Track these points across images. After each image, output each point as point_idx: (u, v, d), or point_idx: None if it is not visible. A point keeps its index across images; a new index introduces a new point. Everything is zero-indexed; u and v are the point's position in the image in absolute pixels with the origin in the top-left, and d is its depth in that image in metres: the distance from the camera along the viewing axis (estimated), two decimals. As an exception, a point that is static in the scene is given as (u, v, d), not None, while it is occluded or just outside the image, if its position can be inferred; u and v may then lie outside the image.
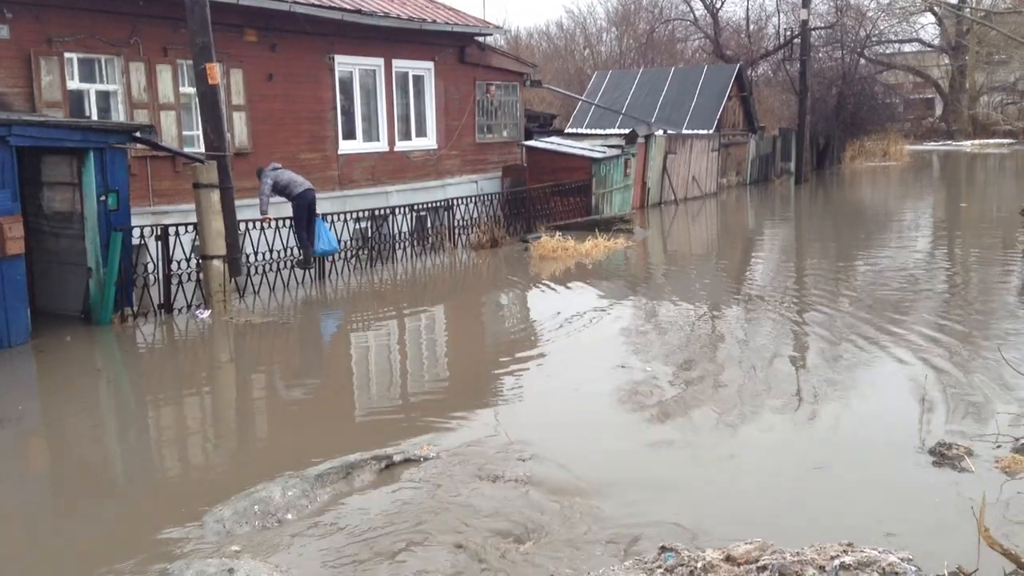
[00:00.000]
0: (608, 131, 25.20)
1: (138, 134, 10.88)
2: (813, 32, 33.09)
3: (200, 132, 12.26)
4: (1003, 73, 51.95)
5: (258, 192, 12.47)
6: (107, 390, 8.66)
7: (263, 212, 12.39)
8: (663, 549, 4.37)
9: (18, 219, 9.30)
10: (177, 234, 11.31)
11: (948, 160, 42.23)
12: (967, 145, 49.16)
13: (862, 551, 4.04)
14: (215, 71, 11.28)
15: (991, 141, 49.68)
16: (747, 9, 41.78)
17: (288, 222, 12.86)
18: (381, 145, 16.99)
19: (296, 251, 12.95)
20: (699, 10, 41.98)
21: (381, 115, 16.96)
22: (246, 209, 12.66)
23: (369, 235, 14.69)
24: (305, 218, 12.65)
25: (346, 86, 16.27)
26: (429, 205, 16.39)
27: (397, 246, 15.14)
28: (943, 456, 5.99)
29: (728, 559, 4.11)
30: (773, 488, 5.69)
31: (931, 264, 14.89)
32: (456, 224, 16.51)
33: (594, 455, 6.25)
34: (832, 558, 3.98)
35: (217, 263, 11.10)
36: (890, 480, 5.73)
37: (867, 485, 5.65)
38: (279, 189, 12.49)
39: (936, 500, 5.42)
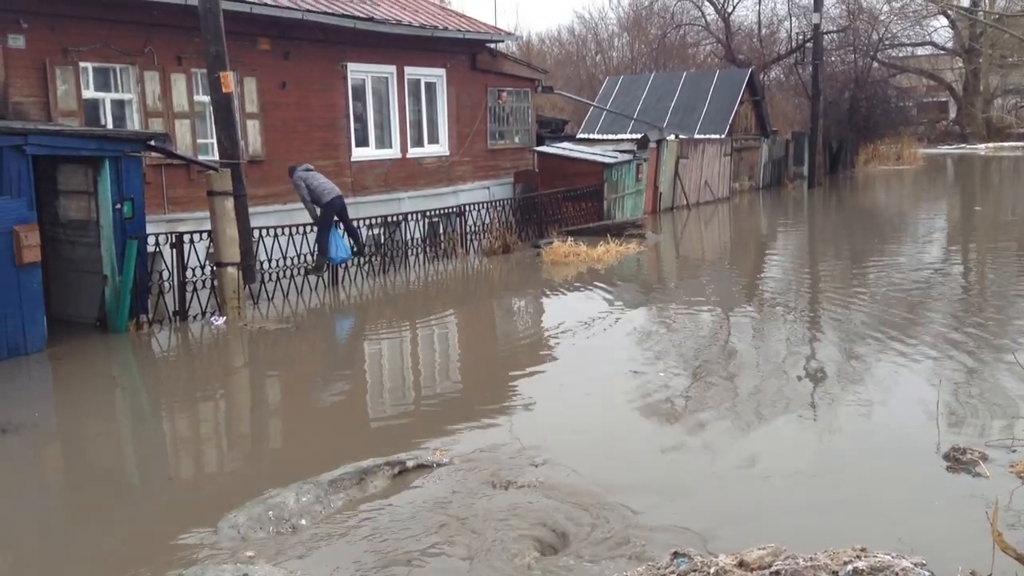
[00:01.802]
0: (620, 136, 25.18)
1: (153, 142, 10.95)
2: (825, 36, 33.01)
3: (214, 140, 12.34)
4: (1017, 76, 51.68)
5: (301, 200, 12.79)
6: (122, 397, 8.72)
7: (314, 218, 12.76)
8: (676, 554, 4.37)
9: (34, 227, 9.39)
10: (192, 241, 11.38)
11: (962, 163, 42.01)
12: (981, 148, 48.86)
13: (875, 556, 4.03)
14: (229, 79, 11.36)
15: (1006, 144, 49.38)
16: (759, 13, 41.37)
17: (302, 228, 12.93)
18: (394, 152, 17.05)
19: (309, 257, 13.02)
20: (711, 15, 41.92)
21: (393, 122, 17.03)
22: (260, 216, 12.74)
23: (382, 241, 14.74)
24: (331, 224, 12.77)
25: (359, 93, 16.34)
26: (441, 211, 16.43)
27: (409, 252, 15.17)
28: (958, 461, 5.97)
29: (741, 564, 4.11)
30: (786, 493, 5.68)
31: (946, 268, 14.83)
32: (468, 230, 16.54)
33: (607, 460, 6.25)
34: (845, 563, 3.97)
35: (231, 270, 11.16)
36: (904, 485, 5.72)
37: (881, 490, 5.64)
38: (309, 193, 12.67)
39: (950, 505, 5.40)
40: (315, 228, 12.91)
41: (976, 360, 8.65)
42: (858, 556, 4.03)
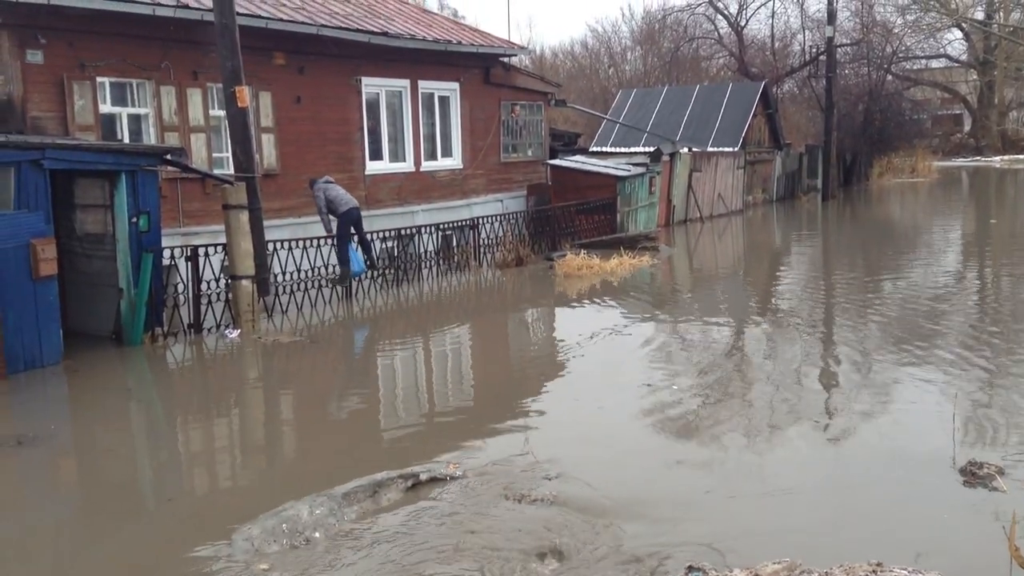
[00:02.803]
0: (633, 149, 25.20)
1: (169, 156, 11.03)
2: (839, 49, 33.00)
3: (229, 154, 12.43)
4: (1032, 88, 51.55)
5: (317, 211, 12.95)
6: (137, 409, 8.76)
7: (328, 231, 12.91)
8: (690, 569, 4.36)
9: (51, 241, 9.46)
10: (207, 255, 11.44)
11: (977, 176, 41.84)
12: (996, 161, 48.68)
13: (891, 571, 4.01)
14: (244, 94, 11.44)
15: (1021, 156, 49.18)
16: (772, 26, 41.38)
17: (315, 242, 13.01)
18: (407, 165, 17.12)
19: (330, 269, 13.09)
20: (724, 28, 42.00)
21: (407, 135, 17.10)
22: (275, 229, 12.81)
23: (395, 254, 14.79)
24: (348, 235, 12.90)
25: (373, 107, 16.42)
26: (454, 224, 16.47)
27: (423, 265, 15.21)
28: (974, 475, 5.93)
29: (756, 579, 4.09)
30: (801, 507, 5.66)
31: (961, 282, 14.75)
32: (481, 243, 16.57)
33: (621, 474, 6.24)
34: (861, 578, 3.95)
35: (246, 283, 11.22)
36: (920, 499, 5.68)
37: (897, 504, 5.60)
38: (327, 203, 12.84)
39: (967, 519, 5.36)
40: (329, 241, 13.02)
41: (992, 373, 8.59)
42: (874, 571, 4.01)
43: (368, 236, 13.50)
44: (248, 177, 11.43)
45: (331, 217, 12.94)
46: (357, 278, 13.42)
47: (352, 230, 13.07)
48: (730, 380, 8.72)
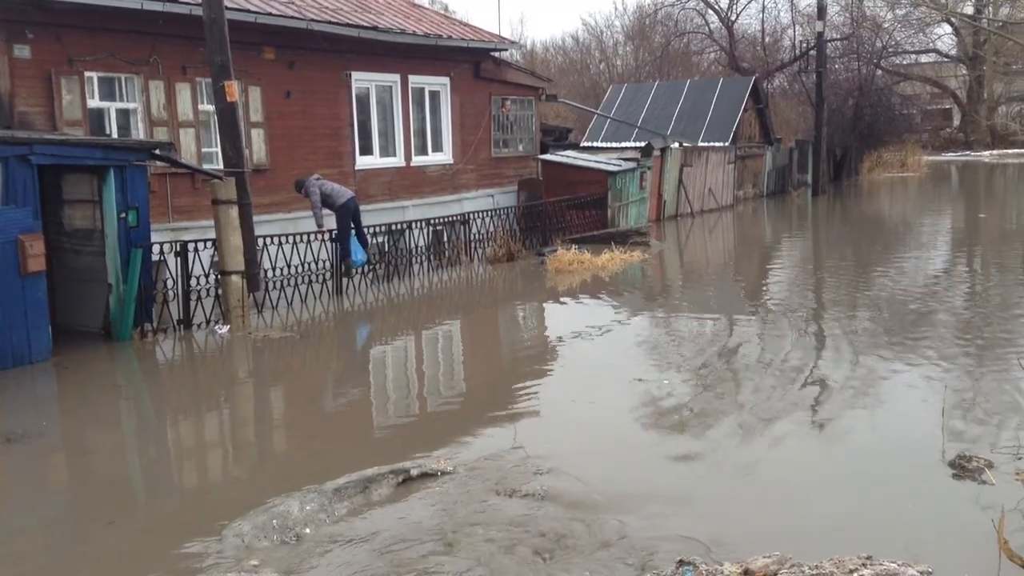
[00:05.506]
0: (624, 144, 25.20)
1: (158, 151, 10.98)
2: (829, 44, 33.07)
3: (219, 149, 12.37)
4: (1021, 83, 51.68)
5: (311, 206, 12.98)
6: (127, 406, 8.73)
7: (320, 226, 12.94)
8: (681, 563, 4.37)
9: (39, 237, 9.41)
10: (196, 250, 11.39)
11: (966, 171, 41.98)
12: (986, 155, 48.84)
13: (881, 564, 4.03)
14: (233, 89, 11.39)
15: (1010, 151, 49.36)
16: (762, 21, 41.58)
17: (305, 237, 12.98)
18: (398, 160, 17.08)
19: (321, 264, 13.07)
20: (714, 23, 42.11)
21: (398, 130, 17.06)
22: (264, 224, 12.77)
23: (386, 250, 14.76)
24: (349, 227, 12.98)
25: (363, 102, 16.37)
26: (445, 219, 16.45)
27: (414, 260, 15.19)
28: (963, 468, 5.95)
29: (746, 573, 4.10)
30: (792, 501, 5.67)
31: (950, 276, 14.81)
32: (472, 238, 16.56)
33: (611, 468, 6.24)
34: (851, 571, 3.97)
35: (236, 278, 11.18)
36: (910, 492, 5.70)
37: (886, 498, 5.62)
38: (322, 199, 12.85)
39: (956, 513, 5.38)
40: (319, 236, 13.01)
41: (981, 368, 8.62)
42: (864, 564, 4.03)
43: (363, 232, 13.53)
44: (238, 172, 11.40)
45: (326, 211, 12.94)
46: (361, 268, 13.44)
47: (351, 223, 13.12)
48: (720, 376, 8.73)
